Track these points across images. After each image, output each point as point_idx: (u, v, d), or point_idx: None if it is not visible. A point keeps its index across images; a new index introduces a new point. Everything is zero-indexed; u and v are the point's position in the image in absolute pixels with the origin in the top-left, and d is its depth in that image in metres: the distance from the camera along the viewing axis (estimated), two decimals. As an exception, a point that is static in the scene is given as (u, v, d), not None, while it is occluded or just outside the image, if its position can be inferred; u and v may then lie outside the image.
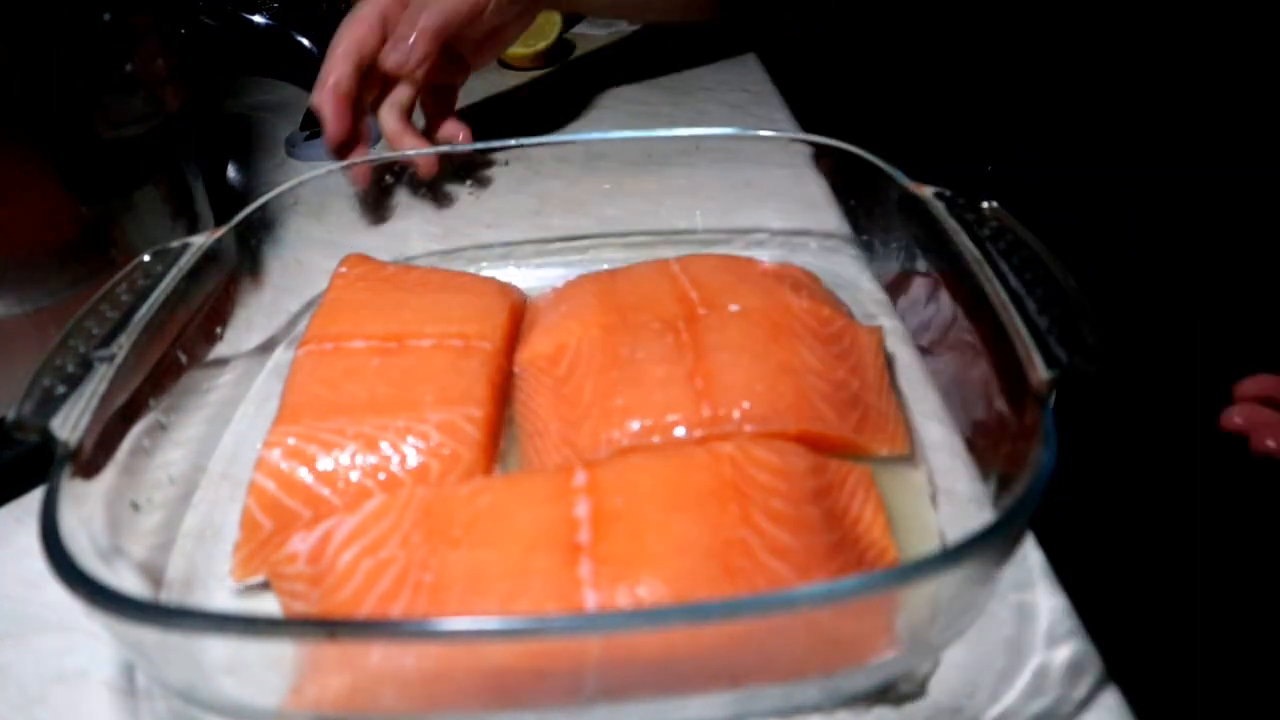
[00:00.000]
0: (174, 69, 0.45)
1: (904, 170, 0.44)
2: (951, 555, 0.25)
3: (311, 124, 0.73)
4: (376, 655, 0.26)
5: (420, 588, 0.29)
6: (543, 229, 0.58)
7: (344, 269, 0.47)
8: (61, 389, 0.31)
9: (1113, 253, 0.58)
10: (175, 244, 0.41)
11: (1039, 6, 0.57)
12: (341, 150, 0.58)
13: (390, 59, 0.57)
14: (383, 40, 0.58)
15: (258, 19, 0.78)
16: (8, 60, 0.36)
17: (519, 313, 0.46)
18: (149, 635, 0.25)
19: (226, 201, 0.56)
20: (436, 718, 0.29)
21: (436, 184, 0.57)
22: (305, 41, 0.76)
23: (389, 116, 0.59)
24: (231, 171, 0.71)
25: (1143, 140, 0.57)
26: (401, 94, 0.59)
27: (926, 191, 0.41)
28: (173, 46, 0.45)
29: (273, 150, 0.74)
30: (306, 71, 0.77)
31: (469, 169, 0.57)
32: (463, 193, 0.58)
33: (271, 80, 0.86)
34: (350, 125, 0.57)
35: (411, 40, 0.56)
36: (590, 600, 0.28)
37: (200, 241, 0.41)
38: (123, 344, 0.34)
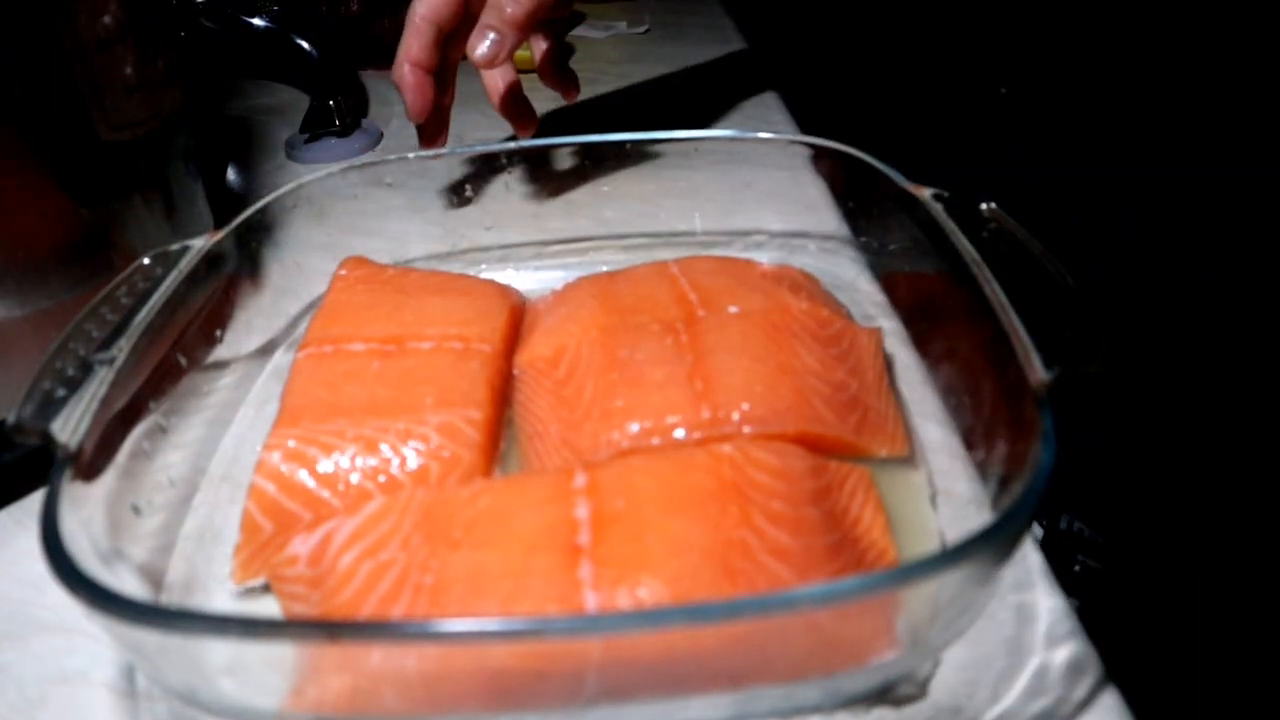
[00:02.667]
0: (174, 71, 0.45)
1: (903, 171, 0.45)
2: (951, 556, 0.25)
3: (311, 126, 0.73)
4: (377, 657, 0.26)
5: (421, 589, 0.29)
6: (542, 231, 0.58)
7: (343, 271, 0.47)
8: (61, 392, 0.31)
9: (1113, 253, 0.58)
10: (175, 247, 0.41)
11: (1039, 8, 0.57)
12: (425, 130, 0.58)
13: (479, 53, 0.53)
14: (461, 8, 0.56)
15: (257, 22, 0.78)
16: (8, 61, 0.36)
17: (518, 315, 0.46)
18: (149, 637, 0.25)
19: (226, 204, 0.56)
20: (437, 719, 0.29)
21: (436, 186, 0.58)
22: (305, 44, 0.76)
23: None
24: (231, 174, 0.71)
25: (1143, 140, 0.57)
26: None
27: (925, 193, 0.41)
28: (173, 49, 0.45)
29: (273, 153, 0.74)
30: (306, 74, 0.78)
31: (469, 171, 0.57)
32: (462, 195, 0.58)
33: (271, 83, 0.86)
34: (432, 99, 0.56)
35: (497, 38, 0.53)
36: (591, 602, 0.28)
37: (200, 244, 0.41)
38: (122, 347, 0.34)
